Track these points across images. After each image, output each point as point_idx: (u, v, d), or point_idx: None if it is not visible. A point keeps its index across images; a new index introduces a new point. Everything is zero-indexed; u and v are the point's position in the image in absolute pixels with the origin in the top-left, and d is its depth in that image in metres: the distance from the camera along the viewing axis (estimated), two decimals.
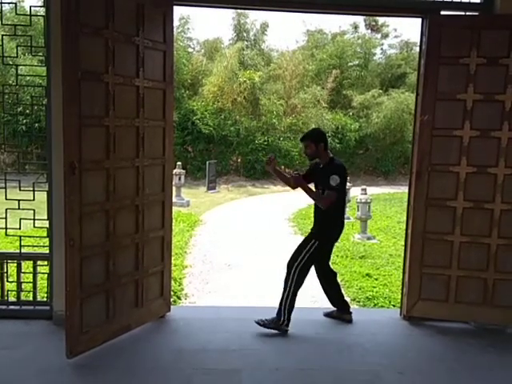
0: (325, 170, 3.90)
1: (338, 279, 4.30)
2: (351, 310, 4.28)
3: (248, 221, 11.25)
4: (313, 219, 4.07)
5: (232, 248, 8.39)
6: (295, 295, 3.91)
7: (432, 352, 3.76)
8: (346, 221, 13.01)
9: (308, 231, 10.68)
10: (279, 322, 3.89)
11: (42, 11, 4.11)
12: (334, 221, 3.99)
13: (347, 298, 6.07)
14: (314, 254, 3.91)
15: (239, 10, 22.09)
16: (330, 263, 4.29)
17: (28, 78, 13.23)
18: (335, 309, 4.31)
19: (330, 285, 4.28)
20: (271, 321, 3.91)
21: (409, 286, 4.21)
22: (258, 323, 3.89)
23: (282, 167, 18.36)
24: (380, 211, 13.02)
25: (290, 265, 3.93)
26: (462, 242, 4.08)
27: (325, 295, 4.35)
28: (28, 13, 3.88)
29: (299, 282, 3.90)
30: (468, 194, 4.04)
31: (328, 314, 4.31)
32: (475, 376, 3.42)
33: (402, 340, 4.02)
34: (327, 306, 5.26)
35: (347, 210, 12.12)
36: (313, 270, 4.08)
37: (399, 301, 4.49)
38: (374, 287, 6.37)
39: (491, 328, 4.14)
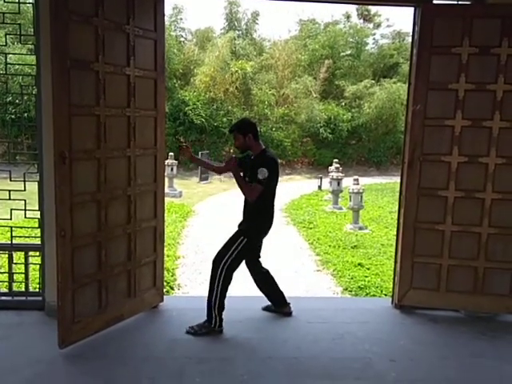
0: (255, 162, 3.72)
1: (272, 274, 4.13)
2: (288, 301, 4.13)
3: (241, 211, 11.24)
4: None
5: (225, 238, 8.37)
6: (224, 294, 3.71)
7: (423, 340, 3.80)
8: (338, 211, 12.94)
9: (300, 221, 10.66)
10: (211, 326, 3.70)
11: None
12: (263, 216, 3.82)
13: (339, 288, 6.16)
14: (242, 251, 3.72)
15: None
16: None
17: (17, 66, 13.05)
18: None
19: (263, 280, 4.11)
20: (202, 326, 3.71)
21: (400, 275, 4.24)
22: (188, 332, 3.68)
23: None
24: (372, 201, 13.08)
25: (216, 262, 3.71)
26: (453, 231, 4.10)
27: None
28: (17, 0, 3.82)
29: (227, 281, 3.70)
30: (459, 184, 4.05)
31: (267, 308, 4.17)
32: (466, 363, 3.46)
33: (393, 328, 4.05)
34: (320, 294, 5.28)
35: (339, 199, 12.20)
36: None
37: (391, 290, 4.53)
38: (366, 277, 6.41)
39: (482, 316, 4.19)
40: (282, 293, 4.14)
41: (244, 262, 3.92)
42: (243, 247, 3.73)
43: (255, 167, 3.65)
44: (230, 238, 3.80)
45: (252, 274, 4.12)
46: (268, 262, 4.19)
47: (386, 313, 4.30)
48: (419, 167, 4.08)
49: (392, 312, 4.29)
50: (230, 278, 3.73)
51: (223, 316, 3.75)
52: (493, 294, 4.12)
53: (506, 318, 4.20)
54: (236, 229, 3.88)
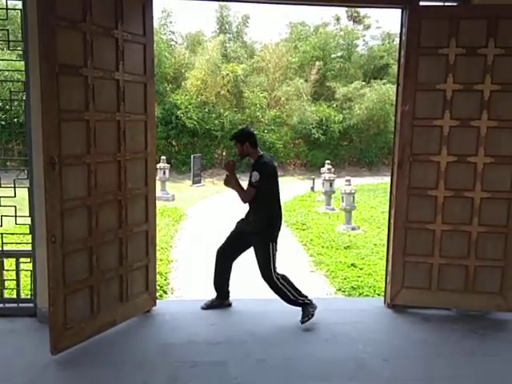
0: (251, 168, 4.03)
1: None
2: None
3: (234, 214, 11.23)
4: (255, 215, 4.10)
5: (218, 241, 8.36)
6: (294, 286, 4.03)
7: (416, 339, 3.83)
8: (330, 212, 12.92)
9: (293, 223, 10.65)
10: (310, 304, 4.00)
11: (19, 4, 4.04)
12: (273, 216, 4.08)
13: (333, 289, 6.18)
14: (275, 253, 4.01)
15: (222, 3, 22.01)
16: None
17: (6, 72, 13.02)
18: (212, 299, 4.33)
19: (224, 271, 4.31)
20: (307, 312, 3.97)
21: (392, 274, 4.26)
22: (305, 321, 3.93)
23: None
24: (364, 202, 13.13)
25: (268, 279, 3.99)
26: (444, 230, 4.14)
27: (216, 279, 4.35)
28: (5, 6, 3.81)
29: (286, 280, 4.03)
30: (449, 183, 4.09)
31: (208, 306, 4.29)
32: (458, 361, 3.49)
33: (386, 328, 4.07)
34: (313, 295, 5.28)
35: (332, 200, 12.23)
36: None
37: (383, 289, 4.55)
38: (359, 277, 6.43)
39: (473, 314, 4.22)
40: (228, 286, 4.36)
41: (222, 247, 4.30)
42: (274, 250, 4.03)
43: (250, 172, 3.97)
44: (261, 252, 4.02)
45: (223, 260, 4.27)
46: None
47: (378, 312, 4.32)
48: (409, 167, 4.11)
49: (385, 311, 4.32)
50: (284, 276, 4.04)
51: None
52: (483, 292, 4.15)
53: (497, 316, 4.23)
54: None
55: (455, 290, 4.18)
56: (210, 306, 4.29)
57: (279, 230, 4.13)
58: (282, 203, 4.18)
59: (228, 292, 4.36)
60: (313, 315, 3.95)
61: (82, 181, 3.41)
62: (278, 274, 4.01)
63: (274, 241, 4.04)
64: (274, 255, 4.01)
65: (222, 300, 4.33)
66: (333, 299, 5.65)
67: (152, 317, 4.08)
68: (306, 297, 4.05)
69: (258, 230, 4.04)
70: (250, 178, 3.94)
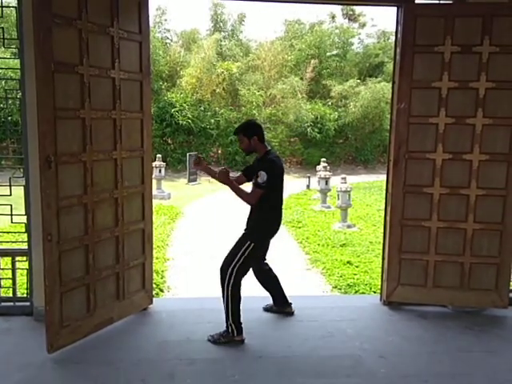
0: (257, 165, 3.66)
1: (276, 273, 4.14)
2: (290, 301, 4.15)
3: (229, 212, 11.24)
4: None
5: (214, 239, 8.38)
6: (236, 301, 3.60)
7: (412, 336, 3.84)
8: (326, 210, 12.88)
9: (289, 221, 10.65)
10: (229, 335, 3.61)
11: (14, 2, 4.02)
12: (269, 220, 3.72)
13: (329, 286, 6.19)
14: (249, 256, 3.60)
15: (215, 1, 22.03)
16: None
17: (1, 71, 12.96)
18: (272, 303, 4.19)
19: (266, 279, 4.10)
20: (220, 335, 3.61)
21: (388, 272, 4.28)
22: (208, 340, 3.61)
23: None
24: (360, 199, 13.16)
25: (223, 270, 3.60)
26: (439, 227, 4.15)
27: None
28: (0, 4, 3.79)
29: (236, 288, 3.59)
30: (444, 181, 4.10)
31: (268, 309, 4.18)
32: (454, 357, 3.51)
33: (382, 325, 4.08)
34: (310, 293, 5.27)
35: (328, 198, 12.25)
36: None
37: (379, 287, 4.56)
38: (355, 274, 6.46)
39: (468, 310, 4.24)
40: (283, 293, 4.15)
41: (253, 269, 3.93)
42: (250, 252, 3.60)
43: (256, 170, 3.57)
44: (237, 243, 3.66)
45: (254, 272, 4.07)
46: None
47: (374, 310, 4.34)
48: (405, 165, 4.12)
49: (381, 309, 4.33)
50: (239, 285, 3.61)
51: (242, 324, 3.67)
52: (479, 289, 4.18)
53: (492, 313, 4.25)
54: (241, 230, 3.79)
55: (451, 286, 4.20)
56: (267, 309, 4.17)
57: (270, 237, 3.80)
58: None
59: (282, 298, 4.11)
60: (218, 343, 3.57)
61: (78, 179, 3.40)
62: (235, 279, 3.57)
63: (256, 243, 3.63)
64: (245, 256, 3.57)
65: (279, 306, 4.13)
66: (329, 297, 5.67)
67: (149, 315, 4.08)
68: (238, 330, 3.60)
69: (247, 229, 3.73)
70: (257, 177, 3.50)
